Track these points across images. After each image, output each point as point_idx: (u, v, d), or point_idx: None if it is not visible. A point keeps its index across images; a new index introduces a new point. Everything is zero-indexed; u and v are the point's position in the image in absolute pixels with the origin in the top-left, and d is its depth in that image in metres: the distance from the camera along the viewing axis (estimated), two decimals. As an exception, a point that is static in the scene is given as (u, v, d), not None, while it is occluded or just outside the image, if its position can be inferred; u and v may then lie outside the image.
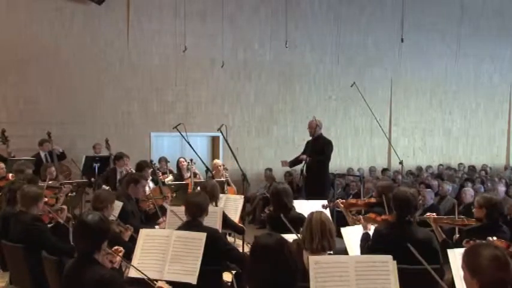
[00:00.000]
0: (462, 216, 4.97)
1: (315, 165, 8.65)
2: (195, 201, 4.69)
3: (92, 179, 9.09)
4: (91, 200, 5.14)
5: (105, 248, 3.50)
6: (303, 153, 8.99)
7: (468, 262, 2.64)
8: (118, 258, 3.85)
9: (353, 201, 6.13)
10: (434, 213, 5.14)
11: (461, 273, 2.92)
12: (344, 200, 6.05)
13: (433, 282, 3.16)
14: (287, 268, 2.74)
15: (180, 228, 4.63)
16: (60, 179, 8.29)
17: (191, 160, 8.92)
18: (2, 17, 10.16)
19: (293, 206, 5.43)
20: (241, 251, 5.81)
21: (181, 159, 9.57)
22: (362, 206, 5.88)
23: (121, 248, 3.99)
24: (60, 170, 9.00)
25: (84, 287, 3.23)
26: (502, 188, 9.35)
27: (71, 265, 3.47)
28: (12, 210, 5.27)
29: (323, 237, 3.75)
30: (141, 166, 7.63)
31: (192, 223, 4.59)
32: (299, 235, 3.97)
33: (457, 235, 4.88)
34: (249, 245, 5.89)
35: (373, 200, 5.95)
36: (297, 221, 4.54)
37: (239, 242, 6.26)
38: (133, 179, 6.13)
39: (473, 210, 4.88)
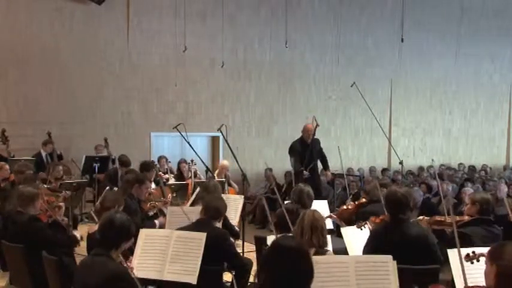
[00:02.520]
0: (453, 216, 5.01)
1: (316, 167, 8.69)
2: (216, 206, 4.72)
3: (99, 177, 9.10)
4: (101, 200, 5.09)
5: (122, 251, 3.53)
6: (301, 156, 8.77)
7: (492, 252, 2.80)
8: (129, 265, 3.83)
9: (344, 207, 6.18)
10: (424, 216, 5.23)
11: (461, 272, 2.93)
12: (336, 212, 6.15)
13: (431, 281, 3.16)
14: (305, 271, 2.73)
15: (189, 227, 4.63)
16: (65, 179, 8.34)
17: (192, 160, 8.95)
18: (2, 17, 10.15)
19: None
20: (241, 250, 5.85)
21: (183, 163, 9.58)
22: (354, 209, 5.95)
23: (132, 259, 4.05)
24: (63, 170, 9.00)
25: (96, 279, 3.28)
26: (504, 188, 9.31)
27: (87, 257, 3.54)
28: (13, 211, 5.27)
29: (313, 233, 3.83)
30: (147, 167, 7.52)
31: (204, 223, 4.60)
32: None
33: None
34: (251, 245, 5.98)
35: (363, 200, 6.03)
36: None
37: (238, 241, 6.29)
38: (138, 180, 6.12)
39: (466, 207, 4.96)
